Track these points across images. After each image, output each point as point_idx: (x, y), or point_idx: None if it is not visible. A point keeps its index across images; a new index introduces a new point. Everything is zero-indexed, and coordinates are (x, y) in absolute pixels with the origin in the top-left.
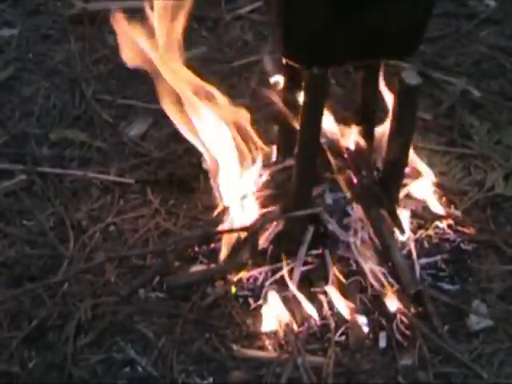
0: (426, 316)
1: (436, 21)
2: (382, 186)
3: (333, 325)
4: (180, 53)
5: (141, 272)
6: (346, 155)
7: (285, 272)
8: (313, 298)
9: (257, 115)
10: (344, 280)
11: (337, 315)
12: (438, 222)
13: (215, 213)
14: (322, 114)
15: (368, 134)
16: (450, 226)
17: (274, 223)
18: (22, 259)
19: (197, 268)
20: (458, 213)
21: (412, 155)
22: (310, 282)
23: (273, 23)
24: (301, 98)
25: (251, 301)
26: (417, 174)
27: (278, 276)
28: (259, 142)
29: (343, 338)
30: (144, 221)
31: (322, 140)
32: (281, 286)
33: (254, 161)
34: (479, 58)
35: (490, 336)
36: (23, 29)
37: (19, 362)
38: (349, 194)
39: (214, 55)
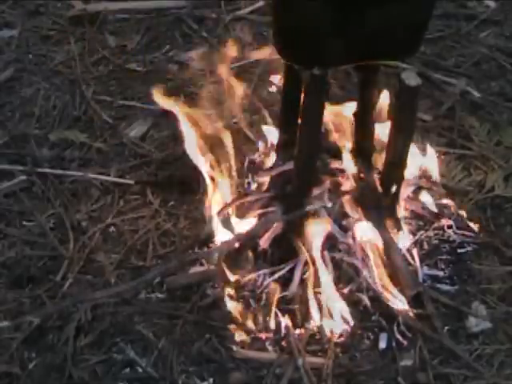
0: (426, 317)
1: (436, 22)
2: (382, 186)
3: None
4: None
5: (140, 273)
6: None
7: (285, 272)
8: (313, 299)
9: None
10: (344, 281)
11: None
12: (437, 223)
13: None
14: (321, 114)
15: (368, 135)
16: (449, 227)
17: (275, 224)
18: (22, 260)
19: (197, 269)
20: (458, 214)
21: (412, 155)
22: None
23: (273, 24)
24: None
25: (251, 301)
26: (417, 175)
27: (277, 277)
28: None
29: (343, 338)
30: (144, 222)
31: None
32: (281, 286)
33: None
34: (479, 58)
35: (489, 337)
36: (23, 30)
37: (19, 363)
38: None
39: (213, 55)
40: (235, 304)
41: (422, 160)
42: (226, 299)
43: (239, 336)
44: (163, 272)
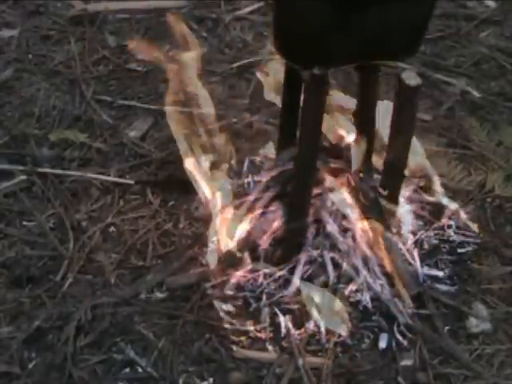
0: (427, 317)
1: (436, 22)
2: (382, 186)
3: None
4: None
5: (141, 273)
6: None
7: (285, 273)
8: (312, 299)
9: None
10: (344, 281)
11: None
12: (437, 223)
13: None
14: (322, 114)
15: (368, 135)
16: (449, 227)
17: (275, 224)
18: (22, 260)
19: (197, 269)
20: (458, 214)
21: (413, 155)
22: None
23: (273, 23)
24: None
25: (251, 301)
26: (418, 175)
27: (277, 276)
28: None
29: (343, 338)
30: (144, 221)
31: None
32: (281, 286)
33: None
34: (479, 58)
35: (489, 337)
36: (23, 30)
37: (19, 363)
38: (348, 195)
39: (214, 56)
40: (235, 304)
41: (422, 159)
42: (226, 299)
43: (239, 336)
44: (163, 274)
